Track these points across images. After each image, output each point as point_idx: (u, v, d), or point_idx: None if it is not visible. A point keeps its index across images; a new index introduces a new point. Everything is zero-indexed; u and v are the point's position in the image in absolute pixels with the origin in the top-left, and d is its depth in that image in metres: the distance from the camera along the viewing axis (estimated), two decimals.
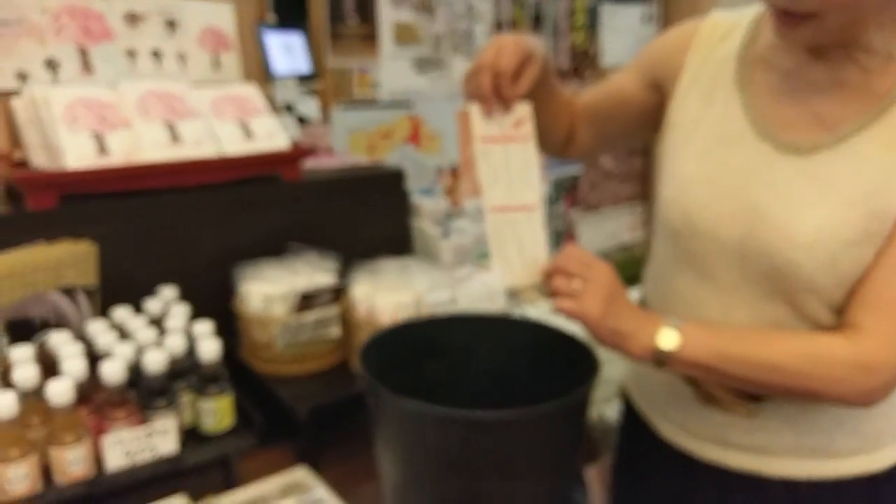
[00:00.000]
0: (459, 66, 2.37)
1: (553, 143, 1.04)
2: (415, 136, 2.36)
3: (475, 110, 0.85)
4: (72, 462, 0.87)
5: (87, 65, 1.39)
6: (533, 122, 0.85)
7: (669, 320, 0.80)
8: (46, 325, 1.03)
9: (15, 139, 1.28)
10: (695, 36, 0.93)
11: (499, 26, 2.44)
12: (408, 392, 0.93)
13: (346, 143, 2.13)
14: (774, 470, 0.88)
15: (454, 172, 2.46)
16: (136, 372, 0.96)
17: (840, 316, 0.79)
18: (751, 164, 0.82)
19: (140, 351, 0.98)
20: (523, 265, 0.87)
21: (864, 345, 0.75)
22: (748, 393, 0.85)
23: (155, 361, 0.94)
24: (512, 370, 1.02)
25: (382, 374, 0.95)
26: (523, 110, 0.85)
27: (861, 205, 0.76)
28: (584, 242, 2.92)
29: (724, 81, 0.87)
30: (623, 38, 2.82)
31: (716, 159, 0.85)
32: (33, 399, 0.87)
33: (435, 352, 1.05)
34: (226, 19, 1.56)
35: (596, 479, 1.13)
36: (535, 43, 0.86)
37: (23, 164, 1.24)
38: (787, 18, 0.74)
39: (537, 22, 2.55)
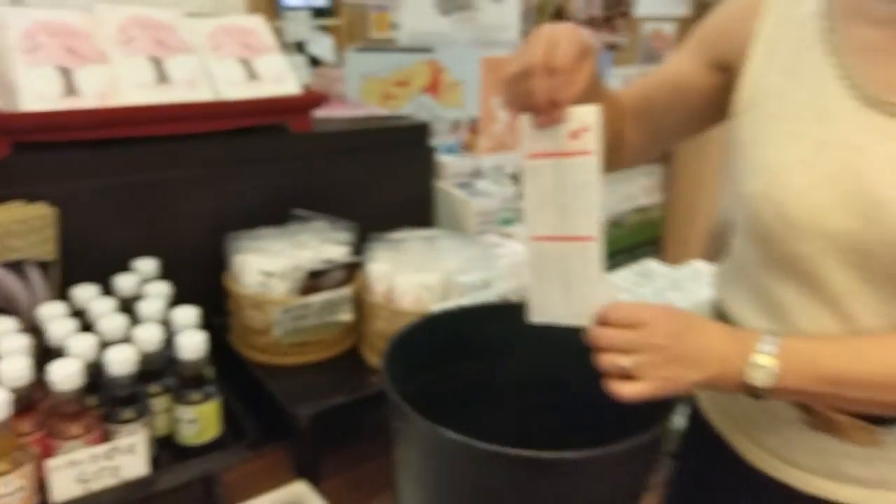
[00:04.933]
0: (487, 9, 2.07)
1: (609, 154, 0.80)
2: (434, 85, 2.07)
3: (525, 122, 0.65)
4: (6, 497, 0.64)
5: None
6: (598, 132, 0.63)
7: (762, 344, 0.61)
8: None
9: None
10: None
11: None
12: (437, 400, 0.71)
13: (359, 90, 1.86)
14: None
15: (473, 126, 2.18)
16: (98, 372, 0.73)
17: None
18: (857, 139, 0.62)
19: (104, 344, 0.75)
20: (566, 305, 0.68)
21: None
22: (872, 415, 0.66)
23: (121, 360, 0.71)
24: (562, 372, 0.80)
25: (406, 380, 0.72)
26: (585, 117, 0.63)
27: None
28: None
29: (809, 45, 0.67)
30: None
31: (812, 139, 0.65)
32: None
33: (469, 349, 0.83)
34: None
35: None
36: (586, 33, 0.65)
37: None
38: None
39: None
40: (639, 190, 2.93)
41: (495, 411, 0.83)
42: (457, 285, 0.98)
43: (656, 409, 0.64)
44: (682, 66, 0.79)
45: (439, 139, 2.08)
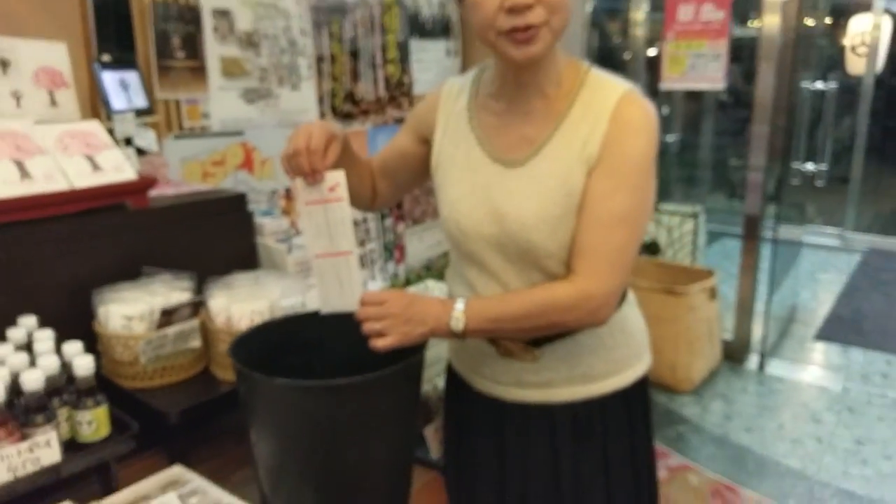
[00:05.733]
0: (287, 97, 2.48)
1: (362, 200, 1.27)
2: (248, 163, 2.44)
3: (298, 182, 1.05)
4: None
5: None
6: (345, 186, 1.05)
7: (457, 304, 1.04)
8: None
9: None
10: (439, 99, 1.20)
11: (320, 60, 2.58)
12: None
13: (180, 172, 2.17)
14: (558, 398, 1.15)
15: (288, 194, 2.56)
16: (10, 394, 1.00)
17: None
18: (490, 180, 1.10)
19: (13, 374, 1.02)
20: (341, 298, 1.08)
21: (579, 281, 1.03)
22: (530, 342, 1.12)
23: (32, 380, 0.99)
24: (362, 358, 1.17)
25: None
26: (336, 177, 1.04)
27: (559, 189, 1.04)
28: (412, 252, 3.14)
29: (462, 127, 1.16)
30: (431, 70, 3.08)
31: (468, 182, 1.12)
32: None
33: (292, 347, 1.19)
34: (60, 58, 1.57)
35: (433, 437, 1.32)
36: (335, 126, 1.08)
37: None
38: (524, 35, 0.96)
39: (354, 56, 2.72)
40: (443, 237, 3.44)
41: None
42: (280, 308, 1.35)
43: (408, 353, 1.05)
44: (403, 140, 1.25)
45: (260, 206, 2.44)
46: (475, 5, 0.98)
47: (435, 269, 3.33)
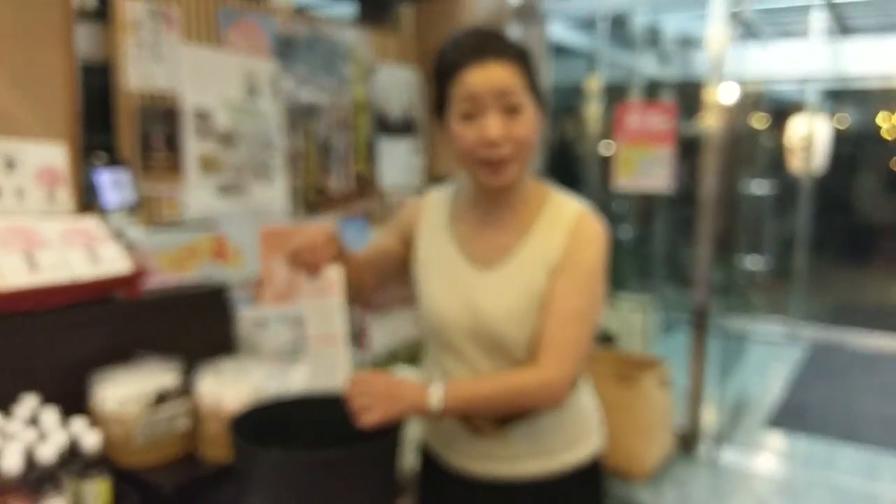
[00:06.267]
0: (259, 190, 2.68)
1: (354, 289, 1.42)
2: (220, 252, 2.59)
3: (302, 276, 1.24)
4: None
5: None
6: (341, 281, 1.23)
7: (434, 386, 1.20)
8: None
9: None
10: (422, 207, 1.42)
11: (293, 156, 2.81)
12: None
13: (156, 261, 2.31)
14: (523, 471, 1.31)
15: (258, 282, 2.71)
16: (29, 464, 1.12)
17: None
18: (466, 279, 1.30)
19: (27, 448, 1.14)
20: (332, 376, 1.25)
21: (540, 369, 1.21)
22: (498, 420, 1.29)
23: (47, 453, 1.12)
24: (340, 439, 1.30)
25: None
26: (334, 273, 1.24)
27: (525, 288, 1.24)
28: (377, 340, 3.28)
29: (443, 233, 1.37)
30: (397, 166, 3.33)
31: (447, 279, 1.32)
32: None
33: (277, 428, 1.32)
34: (59, 158, 1.75)
35: None
36: (332, 227, 1.29)
37: None
38: (497, 166, 1.19)
39: (325, 152, 2.96)
40: (408, 324, 3.59)
41: None
42: (264, 390, 1.49)
43: (389, 430, 1.20)
44: (388, 239, 1.45)
45: (232, 293, 2.57)
46: (457, 137, 1.21)
47: (400, 357, 3.46)
